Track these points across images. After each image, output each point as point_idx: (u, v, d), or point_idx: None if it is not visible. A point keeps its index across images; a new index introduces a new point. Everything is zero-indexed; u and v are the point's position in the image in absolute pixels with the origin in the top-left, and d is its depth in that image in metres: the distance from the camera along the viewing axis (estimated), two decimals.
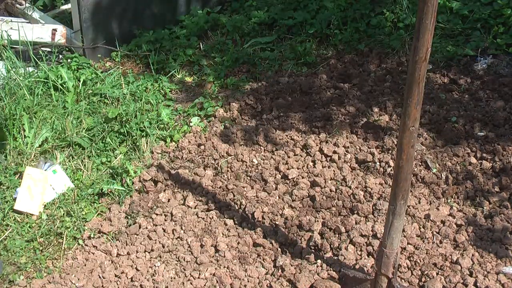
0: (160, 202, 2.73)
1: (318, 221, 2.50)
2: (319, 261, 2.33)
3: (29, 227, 2.66)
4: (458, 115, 3.05)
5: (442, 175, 2.69)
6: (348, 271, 2.18)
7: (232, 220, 2.60)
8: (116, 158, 3.03)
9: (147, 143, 3.10)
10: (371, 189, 2.63)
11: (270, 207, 2.61)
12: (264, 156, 2.93)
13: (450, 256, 2.29)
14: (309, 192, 2.67)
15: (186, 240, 2.51)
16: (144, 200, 2.75)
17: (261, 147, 2.99)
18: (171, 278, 2.35)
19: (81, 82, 3.54)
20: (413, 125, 1.72)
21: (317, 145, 2.93)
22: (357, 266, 2.29)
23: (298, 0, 4.27)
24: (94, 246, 2.54)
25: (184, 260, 2.42)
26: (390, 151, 2.83)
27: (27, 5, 4.24)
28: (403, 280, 2.24)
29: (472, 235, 2.38)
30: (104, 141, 3.13)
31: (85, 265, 2.45)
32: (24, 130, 3.13)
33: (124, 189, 2.83)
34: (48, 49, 3.86)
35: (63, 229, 2.62)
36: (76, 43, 3.98)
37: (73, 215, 2.68)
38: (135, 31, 4.18)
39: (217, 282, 2.30)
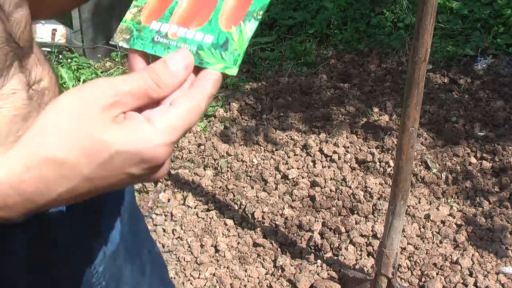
0: (160, 202, 2.73)
1: (318, 221, 2.50)
2: (319, 261, 2.33)
3: None
4: (458, 115, 3.05)
5: (442, 175, 2.69)
6: (348, 271, 2.18)
7: (232, 220, 2.60)
8: None
9: None
10: (371, 189, 2.63)
11: (270, 207, 2.61)
12: (264, 156, 2.93)
13: (450, 256, 2.29)
14: (309, 192, 2.67)
15: (186, 240, 2.51)
16: (144, 200, 2.75)
17: (261, 147, 2.99)
18: (171, 278, 2.35)
19: (81, 82, 3.55)
20: (413, 126, 1.72)
21: (317, 145, 2.93)
22: (357, 266, 2.29)
23: (298, 0, 4.27)
24: None
25: (184, 260, 2.42)
26: (390, 151, 2.83)
27: None
28: (403, 280, 2.24)
29: (472, 235, 2.38)
30: None
31: None
32: None
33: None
34: (48, 49, 3.86)
35: None
36: (76, 43, 3.98)
37: None
38: None
39: (217, 282, 2.30)
